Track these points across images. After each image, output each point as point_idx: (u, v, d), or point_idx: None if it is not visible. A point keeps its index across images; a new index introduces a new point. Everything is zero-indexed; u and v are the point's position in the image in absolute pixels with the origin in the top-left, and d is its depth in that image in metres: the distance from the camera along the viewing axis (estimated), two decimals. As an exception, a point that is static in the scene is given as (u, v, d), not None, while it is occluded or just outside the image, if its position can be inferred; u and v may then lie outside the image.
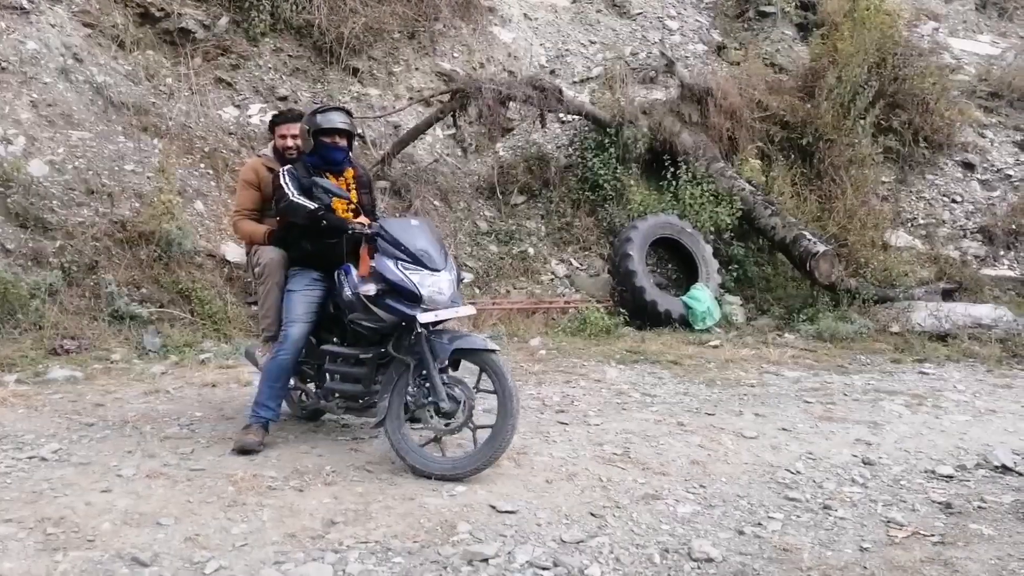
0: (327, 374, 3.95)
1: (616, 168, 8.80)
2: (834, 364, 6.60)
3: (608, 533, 3.16)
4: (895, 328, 7.54)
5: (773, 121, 9.56)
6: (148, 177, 7.02)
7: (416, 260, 3.61)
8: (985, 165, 10.40)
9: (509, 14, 10.79)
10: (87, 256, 6.27)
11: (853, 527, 3.32)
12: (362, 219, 4.00)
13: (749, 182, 8.79)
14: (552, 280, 8.32)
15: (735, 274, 8.56)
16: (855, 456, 4.25)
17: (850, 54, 9.42)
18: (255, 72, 8.51)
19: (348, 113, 4.11)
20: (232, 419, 4.42)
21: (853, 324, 7.50)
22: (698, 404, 5.19)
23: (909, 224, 9.67)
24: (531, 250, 8.50)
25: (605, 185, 8.79)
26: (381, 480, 3.60)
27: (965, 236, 9.55)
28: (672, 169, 8.65)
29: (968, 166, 10.35)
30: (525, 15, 11.16)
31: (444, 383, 3.56)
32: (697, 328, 7.64)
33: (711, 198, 8.46)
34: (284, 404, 4.37)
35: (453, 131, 9.28)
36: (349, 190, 4.05)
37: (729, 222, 8.43)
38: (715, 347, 7.01)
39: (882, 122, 9.68)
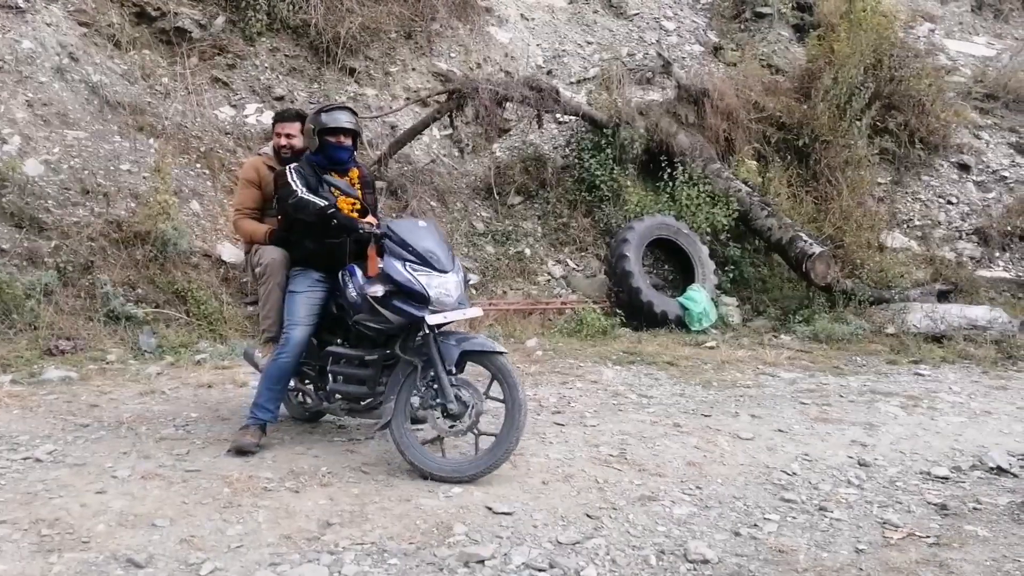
0: (330, 375, 3.92)
1: (613, 169, 8.80)
2: (830, 365, 6.61)
3: (604, 535, 3.16)
4: (891, 329, 7.56)
5: (769, 122, 9.57)
6: (144, 177, 7.00)
7: (424, 261, 3.60)
8: (980, 167, 10.43)
9: (506, 14, 10.79)
10: (82, 256, 6.25)
11: (849, 528, 3.33)
12: (370, 219, 3.98)
13: (745, 183, 8.80)
14: (549, 281, 8.32)
15: (731, 275, 8.57)
16: (851, 457, 4.26)
17: (846, 55, 9.44)
18: (251, 72, 8.50)
19: (353, 112, 4.08)
20: (228, 420, 4.41)
21: (849, 325, 7.52)
22: (694, 405, 5.19)
23: (905, 225, 9.70)
24: (528, 251, 8.50)
25: (602, 186, 8.80)
26: (377, 481, 3.59)
27: (960, 237, 9.57)
28: (669, 170, 8.66)
29: (964, 168, 10.38)
30: (522, 15, 11.16)
31: (452, 385, 3.55)
32: (693, 329, 7.65)
33: (707, 199, 8.47)
34: (282, 406, 4.36)
35: (450, 131, 9.28)
36: (353, 187, 4.04)
37: (725, 223, 8.44)
38: (711, 348, 7.01)
39: (878, 123, 9.71)
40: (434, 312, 3.56)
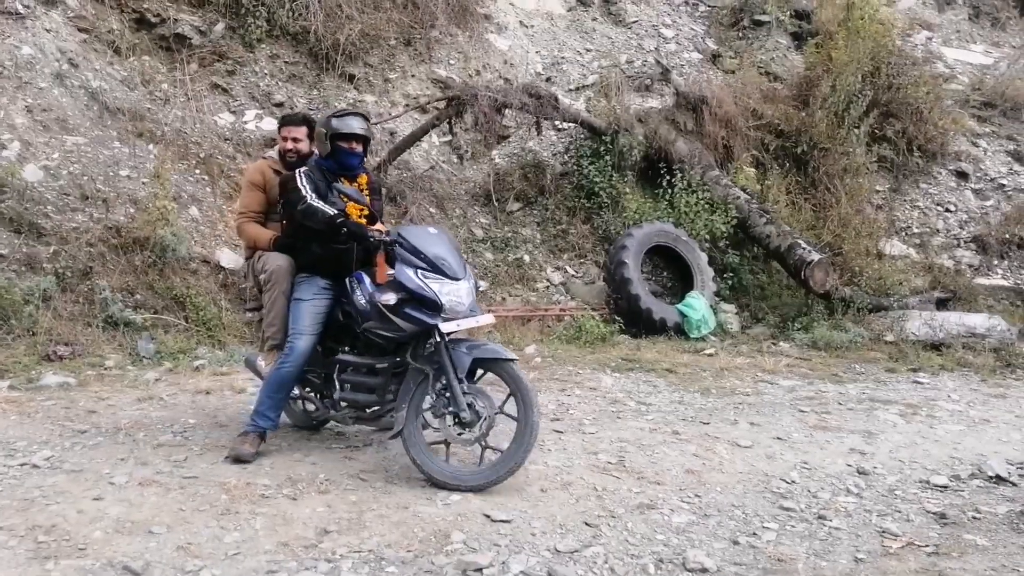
0: (338, 384, 3.87)
1: (612, 176, 8.82)
2: (829, 373, 6.61)
3: (603, 543, 3.15)
4: (889, 337, 7.56)
5: (768, 129, 9.60)
6: (143, 183, 7.01)
7: (436, 268, 3.57)
8: (979, 174, 10.45)
9: (505, 22, 10.83)
10: (81, 262, 6.24)
11: (848, 537, 3.32)
12: (380, 226, 3.95)
13: (744, 190, 8.82)
14: (548, 288, 8.32)
15: (730, 282, 8.57)
16: (850, 466, 4.26)
17: (844, 63, 9.48)
18: (251, 78, 8.51)
19: (365, 118, 4.06)
20: (226, 426, 4.40)
21: (847, 333, 7.52)
22: (693, 413, 5.19)
23: (903, 233, 9.71)
24: (527, 257, 8.50)
25: (601, 193, 8.81)
26: (375, 488, 3.58)
27: (959, 245, 9.59)
28: (667, 177, 8.67)
29: (962, 175, 10.40)
30: (521, 23, 11.19)
31: (464, 393, 3.52)
32: (692, 336, 7.65)
33: (706, 206, 8.48)
34: (283, 414, 4.35)
35: (449, 138, 9.29)
36: (365, 194, 4.01)
37: (724, 230, 8.45)
38: (710, 355, 7.01)
39: (876, 131, 9.74)
40: (447, 320, 3.54)
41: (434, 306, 3.52)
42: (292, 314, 3.89)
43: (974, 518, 3.57)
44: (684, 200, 8.49)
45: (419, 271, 3.56)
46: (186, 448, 4.01)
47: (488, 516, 3.32)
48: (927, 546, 3.24)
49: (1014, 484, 4.05)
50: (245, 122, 8.24)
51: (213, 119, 8.08)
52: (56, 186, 6.63)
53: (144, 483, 3.50)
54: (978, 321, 7.66)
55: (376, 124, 8.89)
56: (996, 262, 9.36)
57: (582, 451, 4.24)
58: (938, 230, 9.75)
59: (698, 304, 7.80)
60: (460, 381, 3.52)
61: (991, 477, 4.13)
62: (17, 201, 6.30)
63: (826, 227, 8.97)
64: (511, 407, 3.59)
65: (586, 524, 3.31)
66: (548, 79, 10.53)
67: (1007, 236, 9.45)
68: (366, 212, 3.97)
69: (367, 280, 3.75)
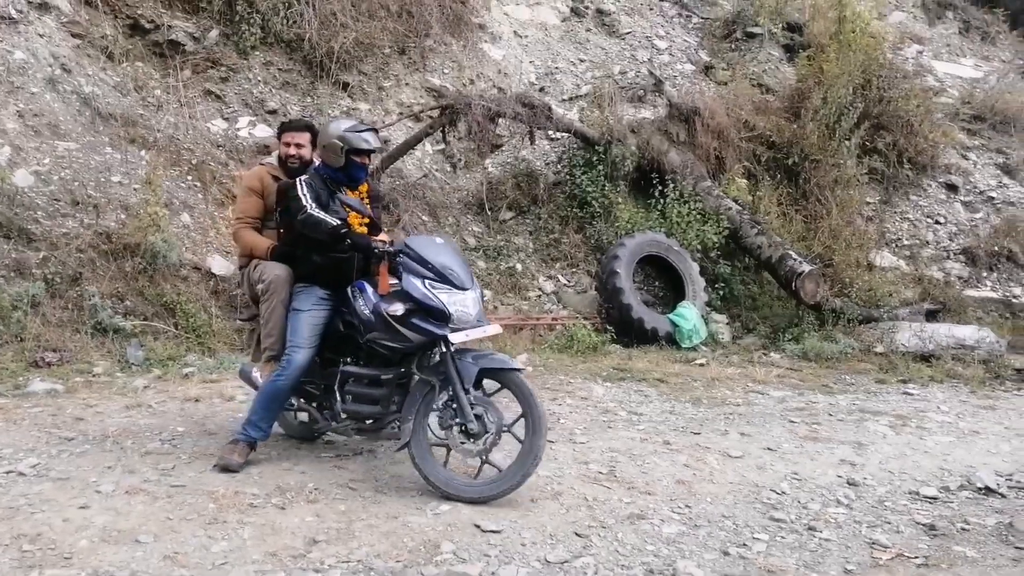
0: (339, 395, 3.81)
1: (604, 185, 8.84)
2: (819, 384, 6.63)
3: (593, 553, 3.14)
4: (879, 348, 7.59)
5: (760, 141, 9.66)
6: (134, 189, 6.98)
7: (443, 278, 3.54)
8: (968, 187, 10.54)
9: (499, 31, 10.87)
10: (71, 268, 6.21)
11: (838, 548, 3.33)
12: (383, 236, 3.91)
13: (736, 201, 8.86)
14: (540, 296, 8.33)
15: (721, 292, 8.60)
16: (840, 477, 4.26)
17: (836, 76, 9.55)
18: (244, 85, 8.51)
19: (376, 131, 4.06)
20: (215, 434, 4.37)
21: (838, 344, 7.55)
22: (684, 423, 5.19)
23: (893, 245, 9.77)
24: (519, 266, 8.51)
25: (593, 202, 8.83)
26: (364, 498, 3.56)
27: (948, 257, 9.65)
28: (660, 187, 8.71)
29: (952, 188, 10.49)
30: (515, 33, 11.24)
31: (472, 404, 3.49)
32: (683, 346, 7.66)
33: (698, 216, 8.52)
34: (276, 424, 4.31)
35: (442, 146, 9.30)
36: (364, 204, 3.99)
37: (716, 241, 8.48)
38: (701, 365, 7.02)
39: (867, 143, 9.81)
40: (455, 330, 3.50)
41: (442, 316, 3.49)
42: (290, 325, 3.82)
43: (963, 530, 3.58)
44: (676, 210, 8.52)
45: (426, 281, 3.52)
46: (174, 456, 3.98)
47: (478, 526, 3.30)
48: (916, 557, 3.25)
49: (1003, 496, 4.06)
50: (238, 129, 8.23)
51: (206, 125, 8.07)
52: (47, 191, 6.60)
53: (131, 491, 3.47)
54: (967, 333, 7.70)
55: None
56: (985, 274, 9.43)
57: (573, 461, 4.23)
58: (928, 242, 9.82)
59: (689, 314, 7.82)
60: (467, 392, 3.49)
61: (980, 489, 4.14)
62: (7, 206, 6.27)
63: (817, 238, 9.01)
64: (519, 425, 3.55)
65: (576, 534, 3.30)
66: (542, 89, 10.56)
67: (996, 248, 9.53)
68: (367, 221, 3.94)
69: (369, 290, 3.71)
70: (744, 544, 3.31)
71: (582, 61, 11.32)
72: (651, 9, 12.57)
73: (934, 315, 8.38)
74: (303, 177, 3.88)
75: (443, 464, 3.65)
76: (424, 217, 8.46)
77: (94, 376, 5.54)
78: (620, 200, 8.88)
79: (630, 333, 7.77)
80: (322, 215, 3.73)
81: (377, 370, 3.72)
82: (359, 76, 9.17)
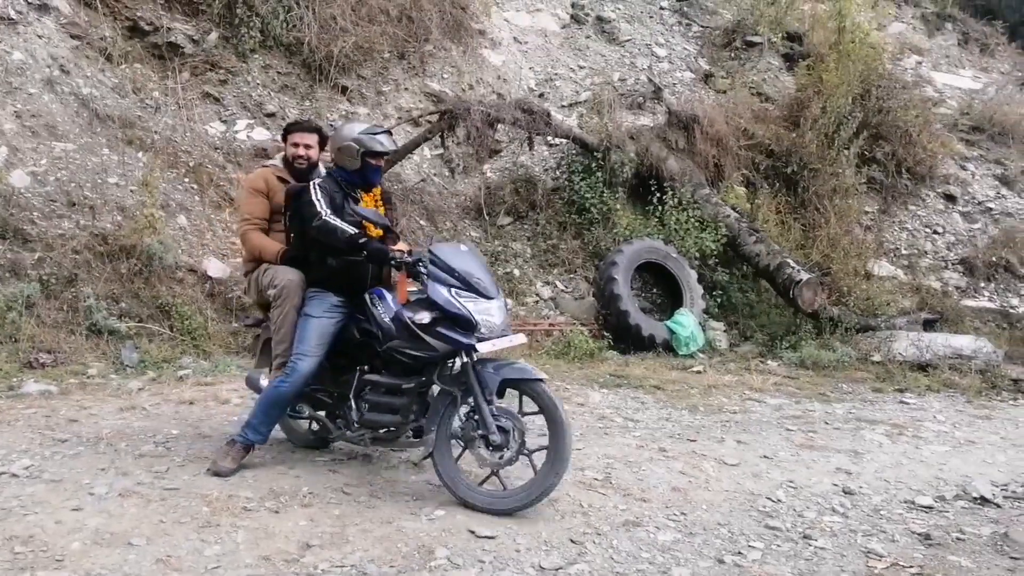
0: (355, 403, 3.76)
1: (603, 192, 8.84)
2: (816, 392, 6.62)
3: (588, 560, 3.13)
4: (877, 357, 7.59)
5: (758, 149, 9.66)
6: (131, 190, 6.97)
7: (469, 287, 3.50)
8: (966, 197, 10.56)
9: (499, 37, 10.88)
10: (66, 269, 6.18)
11: (833, 557, 3.32)
12: (401, 245, 3.84)
13: (734, 209, 8.86)
14: (537, 302, 8.31)
15: (719, 300, 8.59)
16: (836, 485, 4.25)
17: (835, 85, 9.57)
18: (243, 88, 8.51)
19: (390, 133, 4.02)
20: (209, 437, 4.35)
21: (835, 352, 7.54)
22: (680, 430, 5.18)
23: (891, 254, 9.78)
24: (516, 272, 8.50)
25: (591, 209, 8.83)
26: (359, 503, 3.55)
27: (946, 267, 9.66)
28: (658, 194, 8.71)
29: (950, 198, 10.50)
30: (515, 39, 11.26)
31: (493, 414, 3.45)
32: (681, 353, 7.65)
33: (696, 224, 8.52)
34: (281, 430, 4.27)
35: (441, 151, 9.30)
36: (377, 207, 3.91)
37: (714, 248, 8.48)
38: (698, 373, 7.01)
39: (866, 153, 9.82)
40: (481, 339, 3.46)
41: (468, 325, 3.45)
42: (300, 331, 3.73)
43: (958, 539, 3.57)
44: (674, 217, 8.52)
45: (452, 289, 3.48)
46: (168, 459, 3.95)
47: (473, 532, 3.29)
48: (911, 567, 3.24)
49: (998, 506, 4.05)
50: (236, 132, 8.23)
51: (204, 128, 8.06)
52: (43, 192, 6.59)
53: (124, 494, 3.45)
54: (965, 343, 7.70)
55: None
56: (983, 284, 9.43)
57: (568, 467, 4.21)
58: (926, 252, 9.83)
59: (687, 321, 7.81)
60: (489, 402, 3.45)
61: (976, 498, 4.14)
62: (3, 207, 6.25)
63: (815, 247, 9.02)
64: (528, 405, 3.54)
65: (571, 541, 3.29)
66: (541, 95, 10.58)
67: (994, 259, 9.53)
68: (380, 232, 3.85)
69: (388, 297, 3.67)
70: (739, 552, 3.30)
71: (581, 68, 11.34)
72: (651, 17, 12.60)
73: (931, 325, 8.37)
74: (316, 180, 3.81)
75: (456, 460, 3.60)
76: (422, 222, 8.46)
77: (88, 378, 5.51)
78: (618, 207, 8.88)
79: (627, 340, 7.76)
80: (338, 222, 3.64)
81: (398, 379, 3.64)
82: (358, 80, 9.17)
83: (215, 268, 6.85)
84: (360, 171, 3.83)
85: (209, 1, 8.33)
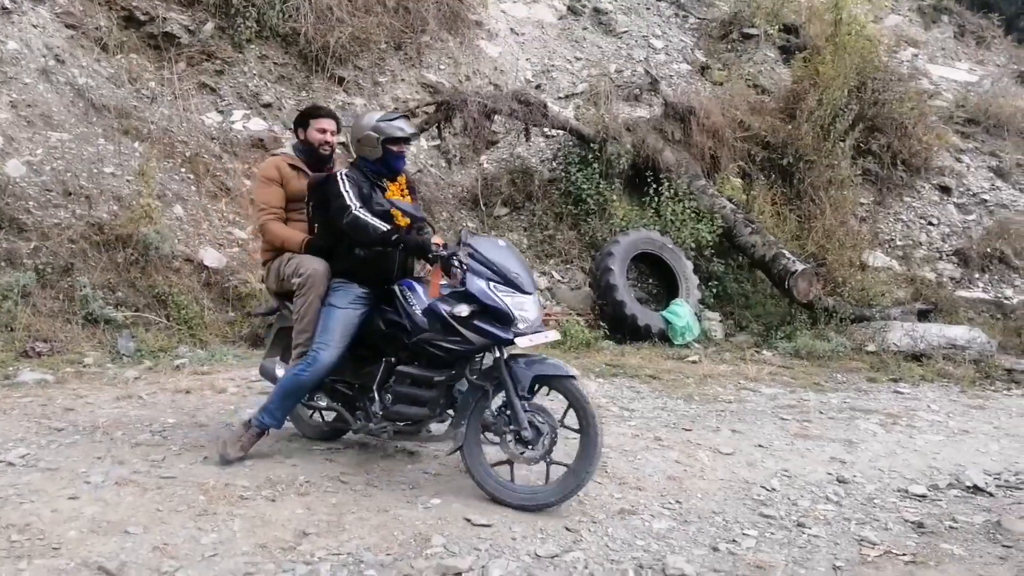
0: (378, 395, 3.72)
1: (599, 183, 8.85)
2: (810, 382, 6.65)
3: (583, 548, 3.15)
4: (871, 347, 7.62)
5: (755, 141, 9.67)
6: (127, 180, 6.95)
7: (508, 281, 3.49)
8: (961, 189, 10.59)
9: (496, 28, 10.85)
10: (62, 258, 6.18)
11: (826, 545, 3.34)
12: (437, 239, 3.81)
13: (730, 200, 8.87)
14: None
15: (715, 290, 8.61)
16: (830, 474, 4.28)
17: (831, 77, 9.57)
18: (239, 78, 8.48)
19: (408, 118, 4.00)
20: (205, 426, 4.36)
21: (830, 342, 7.57)
22: (676, 419, 5.20)
23: (886, 245, 9.81)
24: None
25: (588, 200, 8.83)
26: (355, 491, 3.56)
27: (941, 258, 9.69)
28: (654, 186, 8.71)
29: (945, 190, 10.53)
30: (512, 30, 11.23)
31: (525, 410, 3.44)
32: (676, 343, 7.67)
33: (692, 215, 8.53)
34: (289, 421, 4.25)
35: (438, 142, 9.29)
36: (404, 196, 3.89)
37: (710, 239, 8.49)
38: (694, 362, 7.04)
39: (861, 145, 9.84)
40: (518, 335, 3.45)
41: (505, 319, 3.43)
42: (323, 321, 3.69)
43: (951, 528, 3.60)
44: (671, 209, 8.53)
45: (491, 283, 3.46)
46: (164, 448, 3.96)
47: (469, 520, 3.31)
48: (904, 555, 3.26)
49: (991, 494, 4.08)
50: (232, 122, 8.20)
51: (200, 118, 8.03)
52: (39, 182, 6.57)
53: (121, 482, 3.46)
54: (959, 333, 7.74)
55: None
56: (977, 275, 9.47)
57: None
58: (921, 243, 9.85)
59: (683, 311, 7.83)
60: (521, 398, 3.44)
61: (969, 487, 4.16)
62: (-2, 196, 6.24)
63: (810, 238, 9.04)
64: (571, 419, 3.52)
65: (567, 529, 3.31)
66: (538, 86, 10.56)
67: (988, 250, 9.57)
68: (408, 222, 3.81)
69: (420, 289, 3.65)
70: (734, 540, 3.32)
71: (578, 59, 11.32)
72: (648, 8, 12.58)
73: (926, 315, 8.41)
74: (343, 171, 3.76)
75: (511, 478, 3.57)
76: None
77: (84, 367, 5.51)
78: (615, 198, 8.89)
79: (623, 330, 7.78)
80: (369, 218, 3.60)
81: (431, 371, 3.61)
82: (355, 71, 9.15)
83: (211, 258, 6.84)
84: (383, 160, 3.80)
85: (205, -9, 8.30)
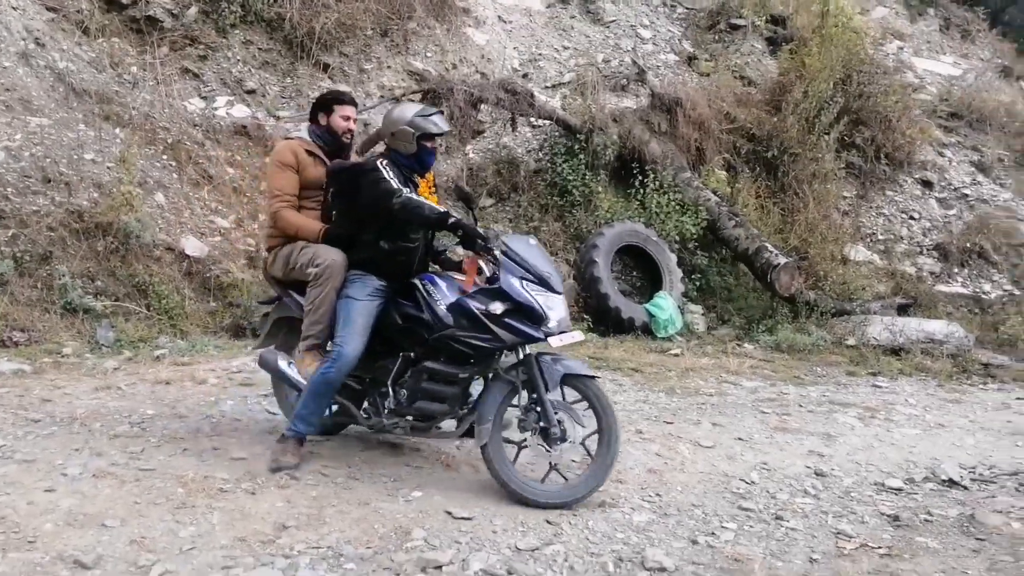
0: (393, 391, 3.68)
1: (585, 174, 8.84)
2: (791, 375, 6.71)
3: (563, 541, 3.17)
4: (851, 341, 7.69)
5: (740, 133, 9.69)
6: (108, 167, 6.86)
7: (542, 281, 3.51)
8: (943, 184, 10.67)
9: (483, 16, 10.78)
10: (41, 246, 6.09)
11: (804, 538, 3.38)
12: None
13: (715, 193, 8.90)
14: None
15: (698, 283, 8.65)
16: (808, 467, 4.33)
17: (817, 70, 9.59)
18: (223, 64, 8.37)
19: (443, 114, 3.94)
20: (185, 418, 4.34)
21: (810, 336, 7.63)
22: (657, 412, 5.23)
23: (868, 239, 9.88)
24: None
25: (574, 191, 8.82)
26: (336, 484, 3.56)
27: (921, 253, 9.78)
28: (640, 177, 8.72)
29: (927, 184, 10.60)
30: (500, 18, 11.15)
31: (554, 408, 3.48)
32: (659, 336, 7.70)
33: (677, 207, 8.55)
34: (284, 414, 4.21)
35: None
36: (432, 193, 3.90)
37: (694, 232, 8.52)
38: (676, 355, 7.07)
39: (845, 138, 9.88)
40: (549, 334, 3.48)
41: (537, 318, 3.45)
42: (344, 314, 3.62)
43: (926, 521, 3.65)
44: (655, 201, 8.54)
45: (524, 282, 3.48)
46: (143, 439, 3.94)
47: (450, 513, 3.32)
48: (880, 548, 3.31)
49: (966, 488, 4.15)
50: (215, 108, 8.10)
51: (183, 104, 7.93)
52: (17, 168, 6.47)
53: (98, 475, 3.43)
54: (937, 327, 7.82)
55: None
56: (956, 270, 9.56)
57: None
58: (902, 237, 9.93)
59: (666, 304, 7.86)
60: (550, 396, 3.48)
61: (944, 481, 4.23)
62: (-25, 182, 6.14)
63: (793, 231, 9.09)
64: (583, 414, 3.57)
65: (547, 522, 3.33)
66: (525, 75, 10.51)
67: (968, 245, 9.66)
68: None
69: (443, 284, 3.63)
70: (713, 533, 3.36)
71: (566, 48, 11.27)
72: (636, -2, 12.54)
73: (905, 309, 8.49)
74: (382, 161, 3.69)
75: (514, 459, 3.59)
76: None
77: (63, 357, 5.46)
78: (600, 189, 8.88)
79: (607, 322, 7.80)
80: (423, 200, 3.58)
81: (456, 368, 3.59)
82: (340, 58, 9.06)
83: (193, 247, 6.78)
84: (416, 155, 3.77)
85: (188, -26, 8.18)
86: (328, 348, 3.78)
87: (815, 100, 9.45)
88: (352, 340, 3.58)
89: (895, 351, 7.55)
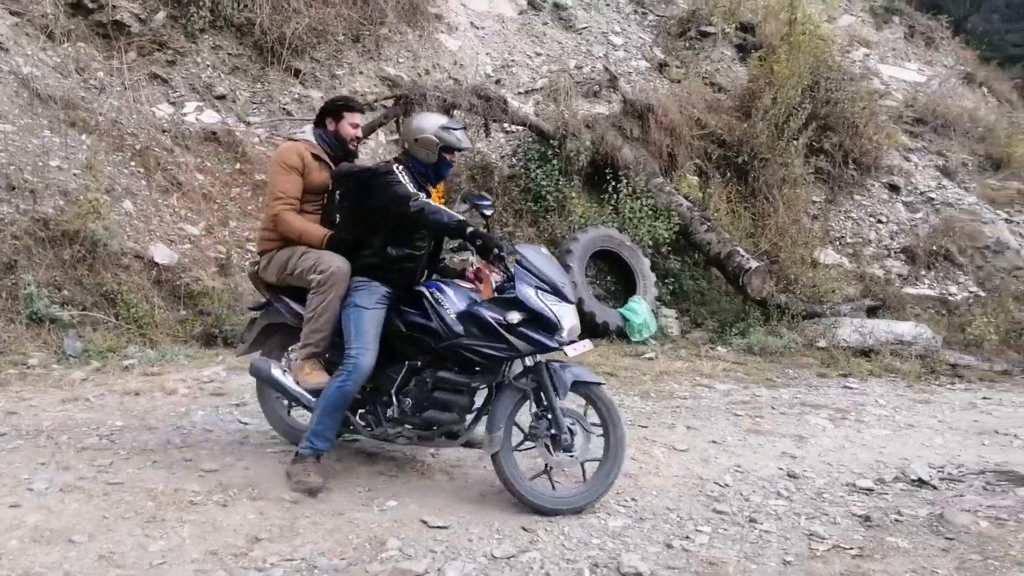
0: (397, 400, 3.64)
1: (559, 180, 8.87)
2: (763, 377, 6.78)
3: (539, 548, 3.17)
4: (822, 343, 7.79)
5: (711, 139, 9.79)
6: (75, 174, 6.74)
7: (556, 290, 3.53)
8: (909, 188, 10.87)
9: (456, 22, 10.79)
10: (5, 255, 5.96)
11: (777, 540, 3.41)
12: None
13: (686, 198, 8.97)
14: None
15: (671, 287, 8.71)
16: (781, 469, 4.37)
17: (786, 76, 9.73)
18: (192, 69, 8.29)
19: (466, 129, 3.95)
20: (155, 429, 4.26)
21: (782, 339, 7.72)
22: (632, 416, 5.25)
23: (837, 243, 10.02)
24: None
25: (547, 196, 8.85)
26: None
27: (889, 255, 9.94)
28: (613, 183, 8.77)
29: (894, 188, 10.80)
30: (472, 24, 11.17)
31: (564, 415, 3.52)
32: (634, 340, 7.74)
33: (650, 212, 8.61)
34: (269, 423, 4.15)
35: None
36: (441, 203, 3.87)
37: (667, 236, 8.58)
38: (650, 359, 7.11)
39: (814, 143, 10.02)
40: (561, 344, 3.50)
41: (553, 328, 3.47)
42: (355, 324, 3.56)
43: (897, 521, 3.71)
44: (628, 206, 8.60)
45: (539, 291, 3.50)
46: (112, 452, 3.86)
47: (425, 522, 3.30)
48: (852, 548, 3.36)
49: (935, 487, 4.22)
50: (184, 114, 8.01)
51: (151, 110, 7.83)
52: (-21, 175, 6.33)
53: (66, 489, 3.36)
54: (905, 329, 7.96)
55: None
56: (923, 272, 9.73)
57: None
58: (870, 241, 10.10)
59: (640, 308, 7.91)
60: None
61: (914, 481, 4.29)
62: (-64, 190, 6.00)
63: (764, 235, 9.19)
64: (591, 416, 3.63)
65: (523, 529, 3.33)
66: (498, 81, 10.53)
67: (934, 248, 9.84)
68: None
69: (451, 292, 3.61)
70: (687, 536, 3.38)
71: (538, 55, 11.32)
72: (607, 5, 12.62)
73: (874, 311, 8.63)
74: (398, 166, 3.68)
75: (535, 479, 3.60)
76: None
77: (28, 368, 5.34)
78: (574, 195, 8.91)
79: (581, 327, 7.81)
80: (441, 206, 3.58)
81: (467, 377, 3.58)
82: (311, 63, 9.01)
83: (162, 254, 6.68)
84: (435, 165, 3.78)
85: (155, -22, 8.09)
86: (327, 356, 3.75)
87: (784, 106, 9.58)
88: (366, 351, 3.53)
89: (865, 353, 7.67)
